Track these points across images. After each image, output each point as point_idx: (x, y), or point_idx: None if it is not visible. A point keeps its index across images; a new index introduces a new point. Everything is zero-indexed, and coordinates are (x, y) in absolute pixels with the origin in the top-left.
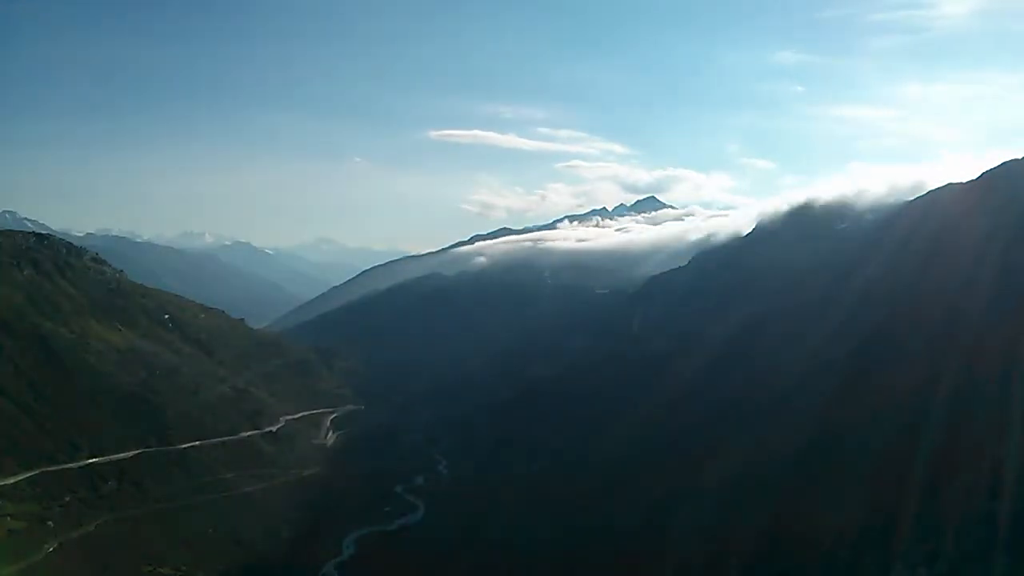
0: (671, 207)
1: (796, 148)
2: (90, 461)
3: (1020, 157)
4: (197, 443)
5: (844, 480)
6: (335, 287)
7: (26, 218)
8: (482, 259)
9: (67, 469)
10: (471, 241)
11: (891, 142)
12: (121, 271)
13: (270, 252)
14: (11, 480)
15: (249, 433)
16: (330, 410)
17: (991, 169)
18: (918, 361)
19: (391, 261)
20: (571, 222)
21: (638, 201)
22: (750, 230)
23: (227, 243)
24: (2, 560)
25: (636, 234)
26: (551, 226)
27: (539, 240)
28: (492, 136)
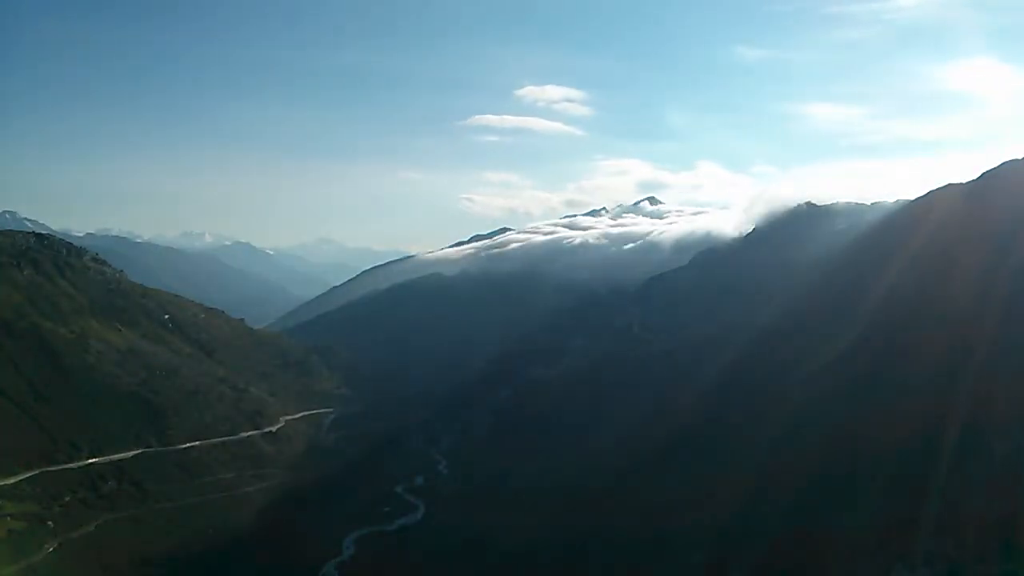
0: (668, 206)
1: (775, 146)
2: (90, 461)
3: (1020, 157)
4: (197, 443)
5: (845, 481)
6: (335, 287)
7: (26, 218)
8: (482, 259)
9: (67, 469)
10: (471, 241)
11: (870, 139)
12: (121, 271)
13: (270, 252)
14: (11, 480)
15: (249, 433)
16: (330, 410)
17: (991, 169)
18: (920, 362)
19: (391, 261)
20: (570, 224)
21: (638, 201)
22: (750, 230)
23: (227, 243)
24: (2, 560)
25: (635, 233)
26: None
27: (539, 240)
28: (493, 123)
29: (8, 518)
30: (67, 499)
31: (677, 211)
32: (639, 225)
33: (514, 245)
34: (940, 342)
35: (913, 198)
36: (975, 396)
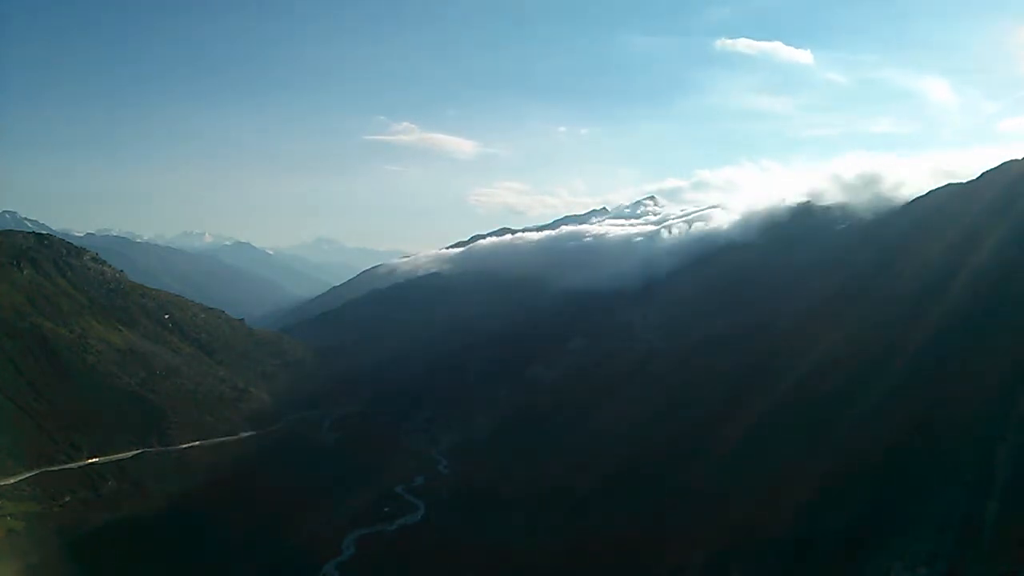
0: (668, 207)
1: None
2: (90, 461)
3: (1020, 157)
4: (197, 443)
5: (844, 480)
6: (335, 287)
7: (26, 218)
8: (481, 258)
9: (67, 469)
10: (471, 240)
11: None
12: (121, 271)
13: (270, 252)
14: (11, 480)
15: (249, 433)
16: (330, 410)
17: (991, 169)
18: (918, 361)
19: (391, 261)
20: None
21: (638, 201)
22: (751, 229)
23: (227, 243)
24: (2, 560)
25: (636, 233)
26: (551, 227)
27: (539, 240)
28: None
29: (8, 518)
30: (67, 499)
31: (678, 212)
32: (639, 225)
33: (514, 245)
34: (942, 340)
35: (913, 199)
36: (975, 396)
